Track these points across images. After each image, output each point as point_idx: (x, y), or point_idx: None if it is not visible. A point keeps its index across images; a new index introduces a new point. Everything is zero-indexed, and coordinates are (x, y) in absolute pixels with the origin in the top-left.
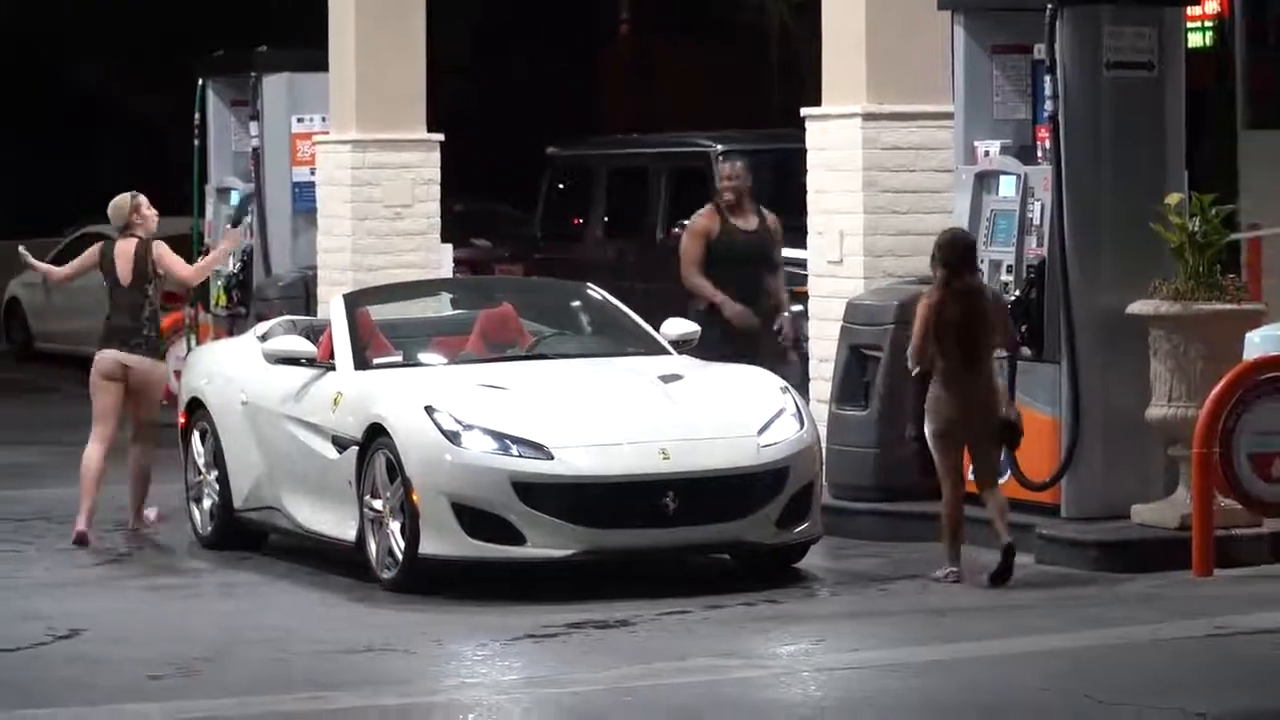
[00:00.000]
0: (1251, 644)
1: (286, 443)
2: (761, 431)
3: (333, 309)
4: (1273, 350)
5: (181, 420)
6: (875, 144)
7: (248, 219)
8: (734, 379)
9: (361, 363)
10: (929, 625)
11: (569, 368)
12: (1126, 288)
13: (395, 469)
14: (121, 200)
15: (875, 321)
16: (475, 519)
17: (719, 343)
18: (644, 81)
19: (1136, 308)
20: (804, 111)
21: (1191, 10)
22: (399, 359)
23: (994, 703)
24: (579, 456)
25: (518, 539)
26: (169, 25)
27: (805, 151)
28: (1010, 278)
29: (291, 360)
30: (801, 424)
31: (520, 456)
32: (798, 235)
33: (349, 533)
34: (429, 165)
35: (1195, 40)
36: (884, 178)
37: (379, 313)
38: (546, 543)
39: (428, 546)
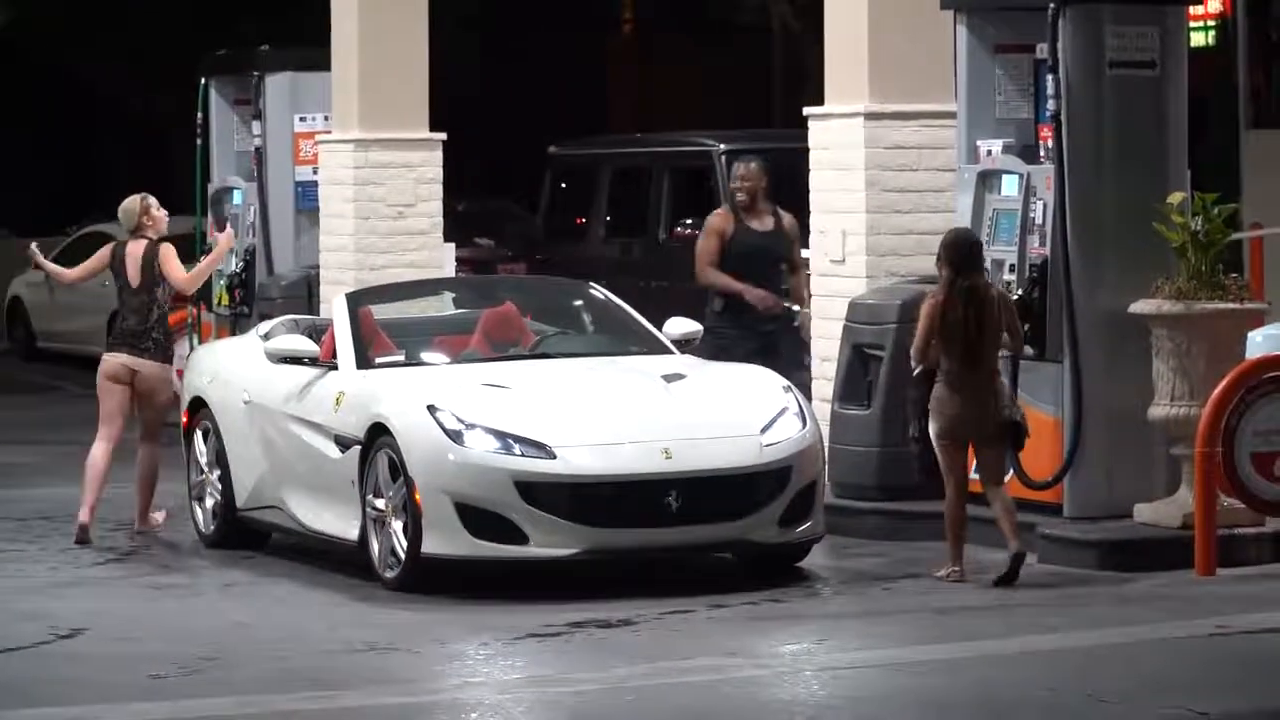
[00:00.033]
0: (1254, 643)
1: (289, 442)
2: (764, 431)
3: (335, 308)
4: (1275, 349)
5: (184, 419)
6: (878, 143)
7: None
8: (736, 378)
9: (364, 362)
10: (932, 624)
11: (571, 367)
12: (1129, 287)
13: (398, 468)
14: (131, 202)
15: (878, 321)
16: (478, 518)
17: (739, 340)
18: (646, 82)
19: (1139, 307)
20: (806, 111)
21: (1194, 10)
22: (401, 358)
23: (997, 702)
24: (582, 456)
25: (520, 538)
26: (171, 24)
27: (808, 151)
28: (1012, 277)
29: (294, 359)
30: (804, 423)
31: (523, 456)
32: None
33: (351, 532)
34: (431, 164)
35: (1198, 40)
36: (886, 177)
37: (381, 312)
38: (549, 542)
39: (430, 546)
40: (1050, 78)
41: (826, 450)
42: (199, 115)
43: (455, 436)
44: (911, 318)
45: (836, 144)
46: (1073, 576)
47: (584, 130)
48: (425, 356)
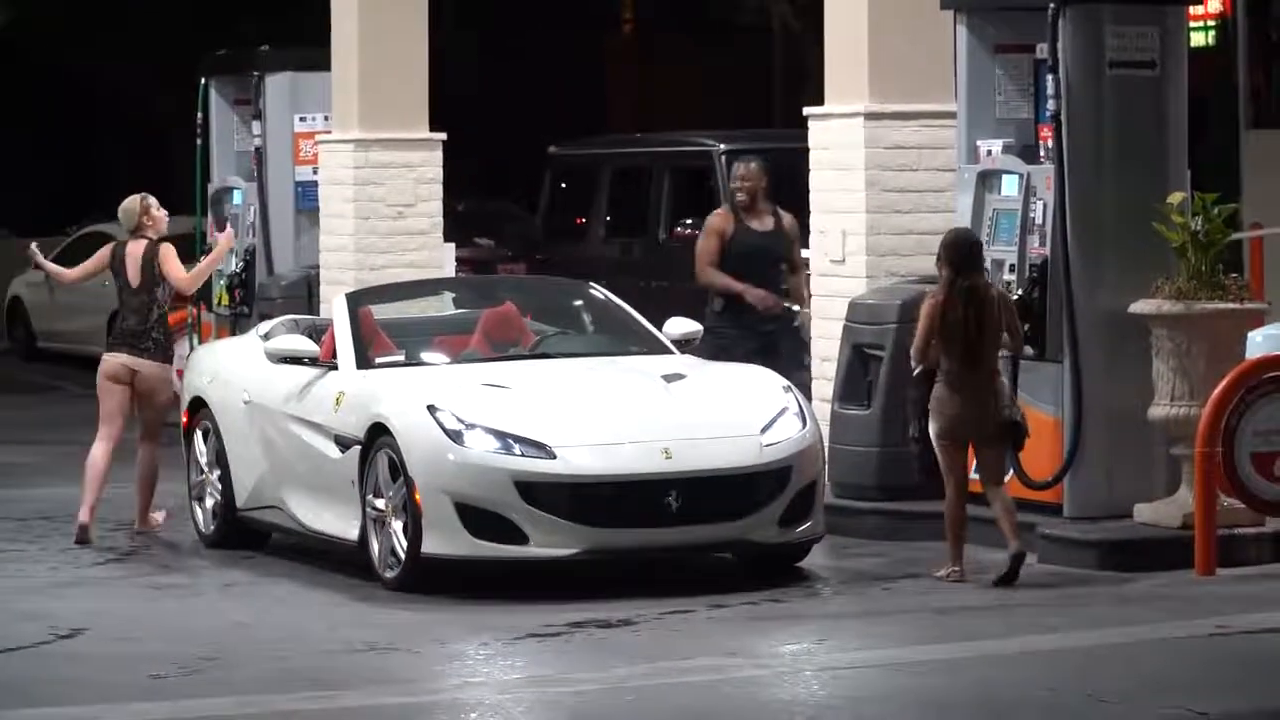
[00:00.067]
0: (1254, 643)
1: (289, 442)
2: (764, 431)
3: (335, 308)
4: (1275, 349)
5: (184, 419)
6: (878, 143)
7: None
8: (736, 378)
9: (364, 362)
10: (932, 624)
11: (571, 367)
12: (1129, 287)
13: (398, 468)
14: (131, 203)
15: (878, 321)
16: (478, 518)
17: (739, 340)
18: (645, 81)
19: (1139, 307)
20: (807, 111)
21: (1194, 10)
22: (401, 358)
23: (997, 702)
24: (581, 456)
25: (520, 538)
26: (171, 24)
27: (808, 151)
28: (1012, 277)
29: (294, 359)
30: (804, 423)
31: (523, 456)
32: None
33: (351, 532)
34: (431, 164)
35: (1198, 40)
36: (887, 177)
37: (381, 312)
38: (549, 542)
39: (430, 546)
40: (1050, 78)
41: (826, 450)
42: (199, 115)
43: (455, 436)
44: (911, 318)
45: (836, 144)
46: (1073, 576)
47: (583, 130)
48: (425, 356)
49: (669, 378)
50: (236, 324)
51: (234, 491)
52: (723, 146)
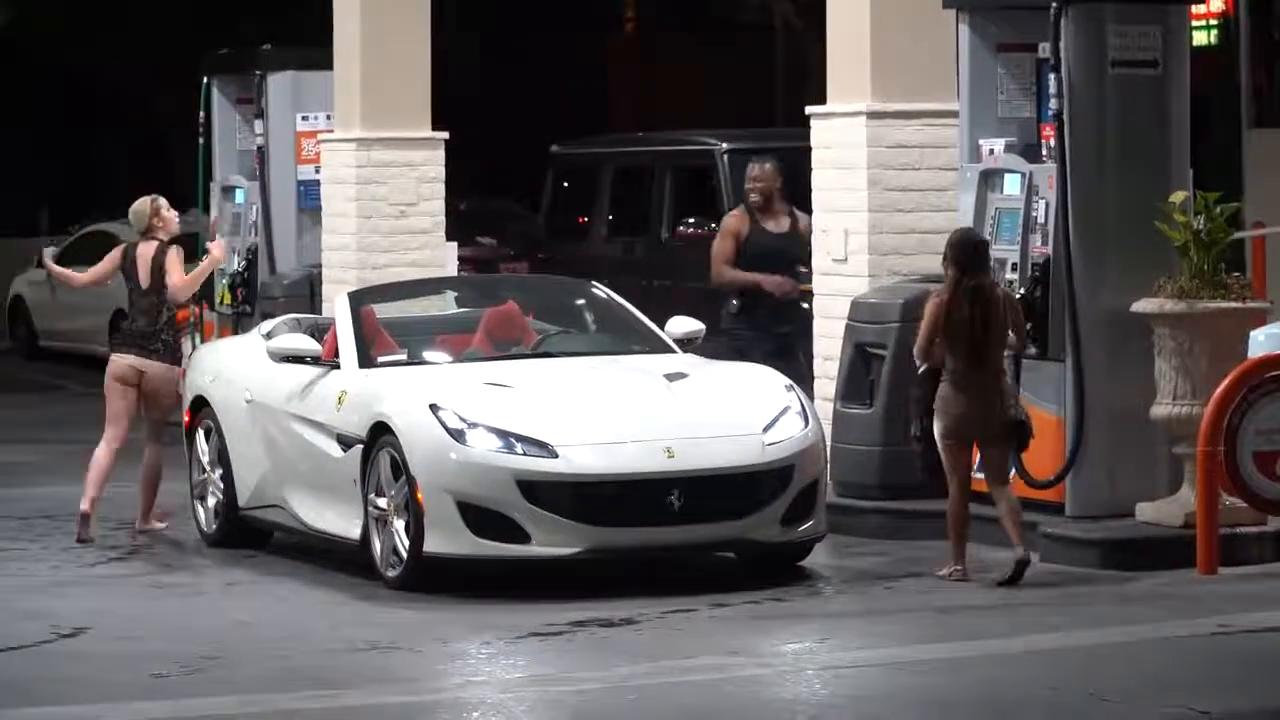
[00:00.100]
0: (1256, 642)
1: (291, 441)
2: (766, 430)
3: (337, 307)
4: (1277, 348)
5: (186, 418)
6: (880, 142)
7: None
8: (738, 377)
9: (366, 361)
10: (934, 623)
11: (574, 366)
12: (1131, 286)
13: (400, 467)
14: (141, 205)
15: (880, 320)
16: (480, 517)
17: (755, 342)
18: (647, 80)
19: (1141, 306)
20: (809, 110)
21: (1196, 9)
22: (404, 357)
23: (999, 701)
24: (584, 455)
25: (522, 537)
26: (171, 24)
27: (810, 150)
28: (1015, 276)
29: (296, 358)
30: (806, 422)
31: (525, 455)
32: None
33: (353, 531)
34: (434, 163)
35: (1200, 39)
36: (889, 176)
37: (384, 311)
38: (551, 541)
39: (432, 545)
40: (1052, 77)
41: (829, 449)
42: (201, 114)
43: (457, 435)
44: (914, 317)
45: (839, 143)
46: (1075, 575)
47: (585, 130)
48: (427, 355)
49: (671, 377)
50: (239, 323)
51: (236, 490)
52: (725, 146)
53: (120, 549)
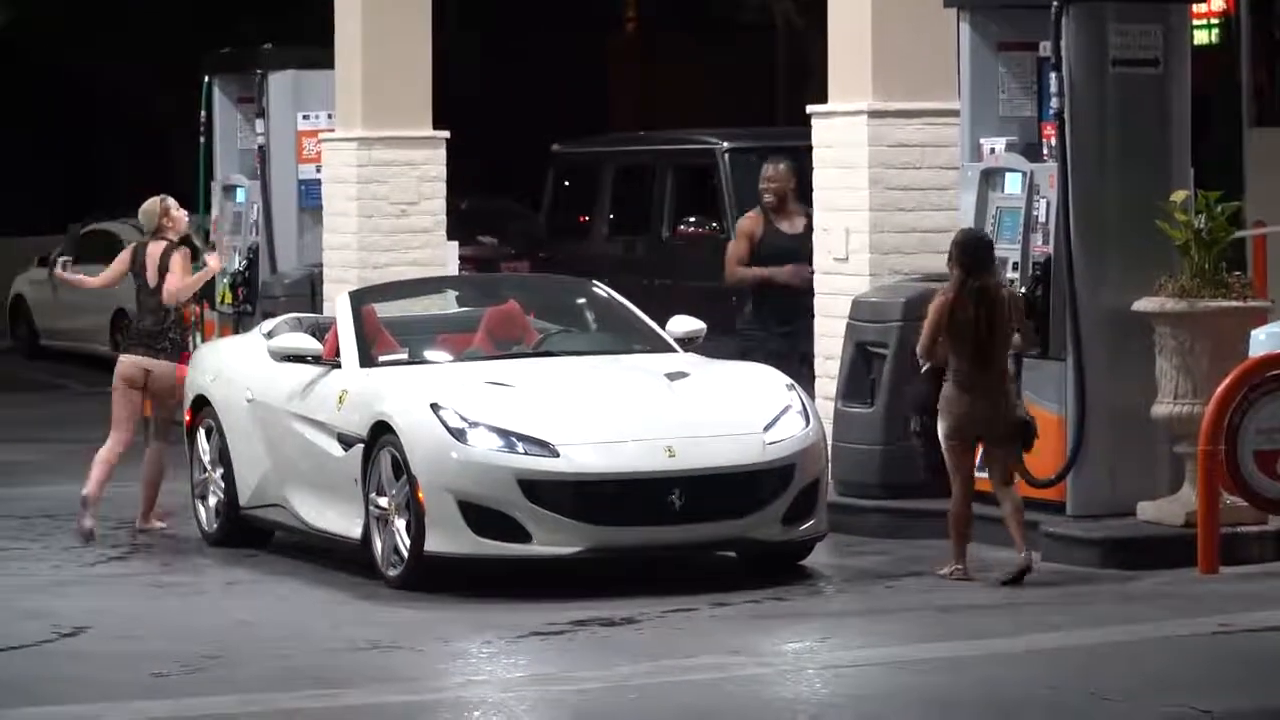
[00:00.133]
0: (1257, 641)
1: (292, 440)
2: (767, 429)
3: (338, 306)
4: (1278, 347)
5: (187, 418)
6: (881, 141)
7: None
8: (740, 376)
9: (367, 360)
10: (935, 623)
11: (575, 365)
12: (1132, 285)
13: (401, 466)
14: (150, 205)
15: (881, 319)
16: (481, 516)
17: (764, 342)
18: (648, 80)
19: (1142, 305)
20: (810, 109)
21: (1197, 8)
22: (404, 356)
23: (1000, 700)
24: (585, 454)
25: (523, 536)
26: (171, 24)
27: (811, 149)
28: (1016, 275)
29: (297, 358)
30: (807, 421)
31: (526, 454)
32: None
33: (354, 530)
34: (435, 162)
35: (1201, 38)
36: (890, 175)
37: (385, 310)
38: (552, 540)
39: (433, 544)
40: (1053, 75)
41: (830, 448)
42: (202, 113)
43: (458, 435)
44: (915, 316)
45: (840, 142)
46: (1076, 574)
47: (585, 130)
48: (428, 355)
49: (672, 376)
50: (240, 322)
51: (237, 490)
52: (726, 145)
53: (121, 548)
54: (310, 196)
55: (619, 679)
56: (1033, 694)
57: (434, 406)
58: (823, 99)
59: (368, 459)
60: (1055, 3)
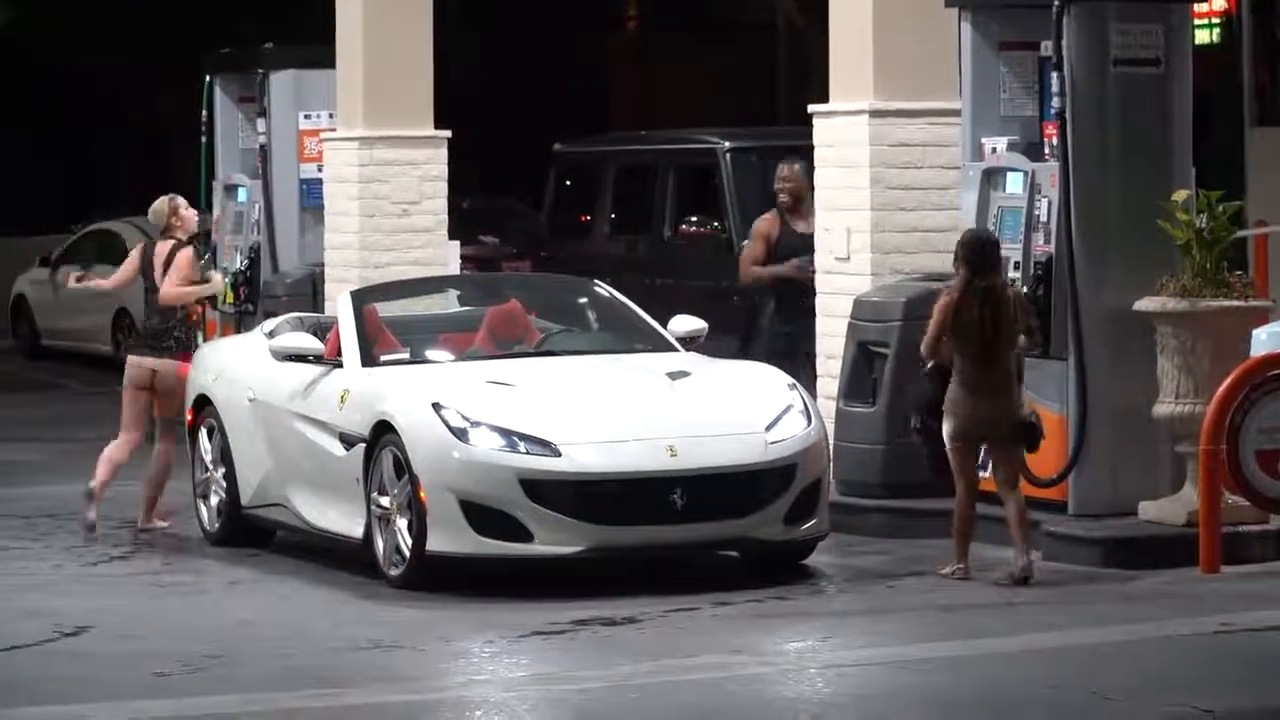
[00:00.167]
0: (1259, 640)
1: (294, 440)
2: (769, 428)
3: (340, 306)
4: (1279, 347)
5: (189, 417)
6: (883, 141)
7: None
8: (741, 376)
9: (369, 360)
10: (937, 622)
11: (576, 365)
12: (1133, 284)
13: (403, 466)
14: (160, 204)
15: (882, 318)
16: (483, 516)
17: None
18: (648, 80)
19: (1143, 304)
20: (811, 108)
21: (1198, 7)
22: (406, 356)
23: (1001, 699)
24: (586, 453)
25: (525, 536)
26: (171, 24)
27: (812, 148)
28: (1017, 274)
29: (299, 357)
30: (809, 420)
31: (528, 453)
32: None
33: (356, 530)
34: (436, 162)
35: (1202, 37)
36: (891, 174)
37: (386, 309)
38: (554, 540)
39: (435, 543)
40: (1055, 75)
41: (831, 448)
42: (204, 113)
43: (460, 434)
44: (916, 315)
45: (841, 141)
46: (1077, 574)
47: (584, 129)
48: (430, 354)
49: (674, 375)
50: (241, 321)
51: (239, 489)
52: (727, 144)
53: (123, 547)
54: (312, 196)
55: (621, 678)
56: (1034, 693)
57: (436, 406)
58: (824, 98)
59: (369, 458)
60: (1057, 2)
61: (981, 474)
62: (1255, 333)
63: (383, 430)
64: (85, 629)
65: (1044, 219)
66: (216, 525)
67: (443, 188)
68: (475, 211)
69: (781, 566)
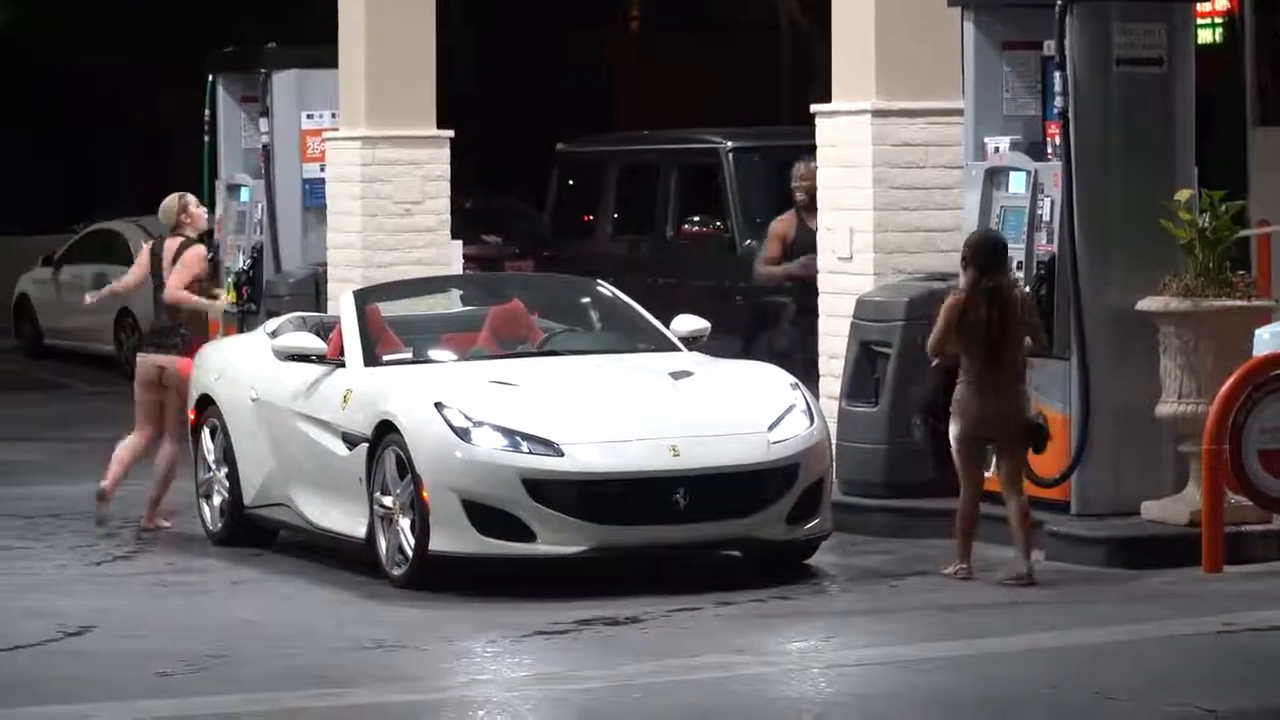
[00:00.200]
0: (1262, 640)
1: (296, 439)
2: (772, 428)
3: (343, 305)
4: None
5: (192, 417)
6: (885, 140)
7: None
8: (744, 375)
9: (371, 359)
10: (939, 622)
11: (579, 364)
12: (1136, 284)
13: (405, 466)
14: (169, 202)
15: (885, 318)
16: (485, 516)
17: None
18: (649, 80)
19: (1146, 304)
20: (814, 108)
21: (1201, 7)
22: (409, 356)
23: (1003, 699)
24: (589, 453)
25: (528, 536)
26: (171, 24)
27: (815, 148)
28: (1020, 274)
29: (301, 357)
30: (811, 420)
31: (530, 453)
32: None
33: (359, 529)
34: (439, 161)
35: (1205, 37)
36: (894, 174)
37: (389, 309)
38: (557, 539)
39: (438, 543)
40: (1058, 75)
41: (834, 447)
42: (206, 112)
43: (463, 434)
44: (920, 315)
45: (844, 141)
46: (1080, 574)
47: (584, 128)
48: (433, 354)
49: (677, 375)
50: (244, 321)
51: (241, 489)
52: (730, 144)
53: (126, 547)
54: (314, 195)
55: (623, 678)
56: (1036, 693)
57: (438, 406)
58: (827, 98)
59: (372, 458)
60: (1059, 2)
61: (986, 474)
62: (1258, 332)
63: (385, 430)
64: (88, 629)
65: (1046, 218)
66: (219, 525)
67: (445, 187)
68: (478, 211)
69: (784, 566)
